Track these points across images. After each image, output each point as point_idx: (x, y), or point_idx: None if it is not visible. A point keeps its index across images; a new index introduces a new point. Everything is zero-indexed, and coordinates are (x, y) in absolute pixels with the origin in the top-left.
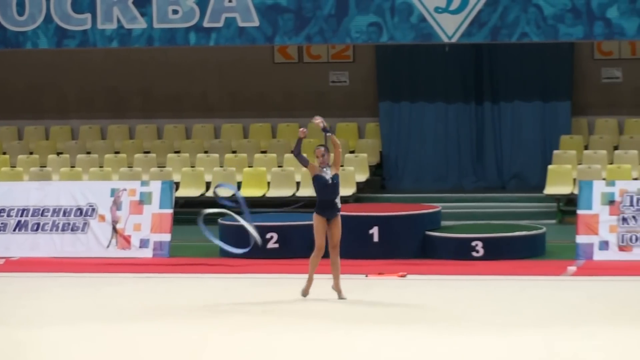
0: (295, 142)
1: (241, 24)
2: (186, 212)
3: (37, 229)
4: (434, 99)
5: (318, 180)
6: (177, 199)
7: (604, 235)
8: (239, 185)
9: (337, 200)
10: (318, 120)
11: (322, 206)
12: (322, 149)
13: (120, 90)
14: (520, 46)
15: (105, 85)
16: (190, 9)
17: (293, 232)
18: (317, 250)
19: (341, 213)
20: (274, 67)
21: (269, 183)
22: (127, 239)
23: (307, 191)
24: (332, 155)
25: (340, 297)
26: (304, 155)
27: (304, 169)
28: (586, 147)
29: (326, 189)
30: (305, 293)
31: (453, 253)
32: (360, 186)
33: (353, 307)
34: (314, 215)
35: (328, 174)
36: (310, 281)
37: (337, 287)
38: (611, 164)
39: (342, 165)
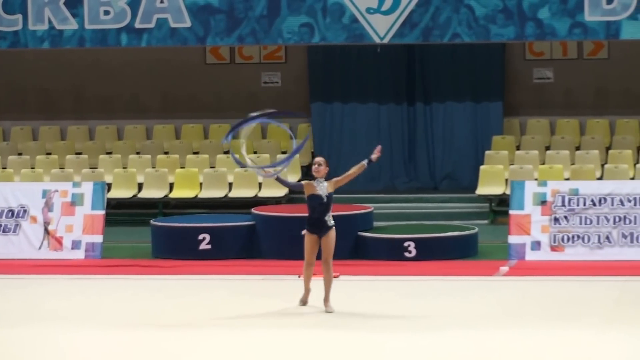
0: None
1: (173, 25)
2: (118, 213)
3: None
4: (366, 100)
5: (312, 200)
6: (109, 200)
7: (536, 235)
8: (171, 186)
9: (328, 217)
10: (377, 154)
11: (312, 223)
12: (320, 159)
13: (51, 91)
14: (452, 47)
15: (36, 86)
16: (122, 10)
17: (226, 233)
18: (306, 265)
19: (273, 214)
20: (205, 68)
21: (201, 184)
22: (59, 241)
23: (240, 192)
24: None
25: (327, 309)
26: (290, 181)
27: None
28: (518, 148)
29: (319, 207)
30: (303, 302)
31: (385, 253)
32: None
33: (284, 307)
34: (305, 231)
35: (323, 189)
36: (307, 291)
37: (325, 301)
38: (543, 164)
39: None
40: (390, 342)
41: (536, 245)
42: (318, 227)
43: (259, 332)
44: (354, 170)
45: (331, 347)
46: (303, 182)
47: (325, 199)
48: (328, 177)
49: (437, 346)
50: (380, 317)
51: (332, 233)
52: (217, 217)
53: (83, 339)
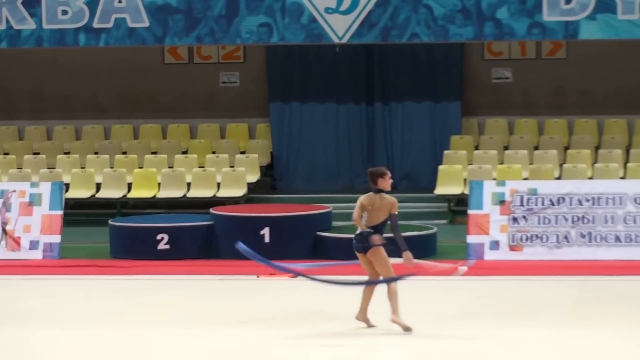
0: None
1: (131, 25)
2: (76, 213)
3: None
4: (324, 100)
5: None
6: (67, 200)
7: (494, 235)
8: (129, 186)
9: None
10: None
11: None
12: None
13: (9, 91)
14: (411, 47)
15: None
16: (80, 10)
17: (184, 233)
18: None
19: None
20: (164, 68)
21: (159, 184)
22: (16, 241)
23: (198, 192)
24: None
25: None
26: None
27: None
28: (476, 147)
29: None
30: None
31: (344, 253)
32: (251, 187)
33: (244, 308)
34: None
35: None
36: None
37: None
38: (501, 164)
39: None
40: (346, 344)
41: (495, 245)
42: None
43: (217, 331)
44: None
45: (285, 345)
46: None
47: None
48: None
49: (395, 347)
50: (338, 317)
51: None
52: (176, 217)
53: (42, 340)
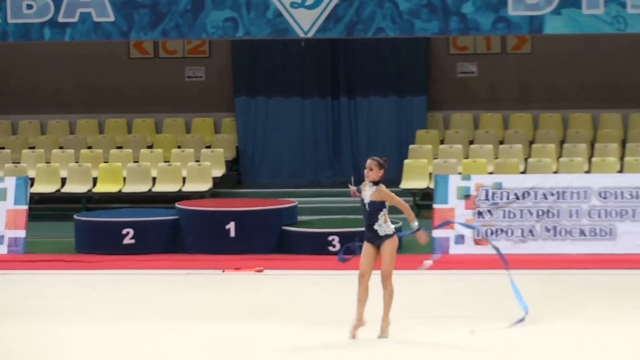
0: None
1: (96, 19)
2: (41, 208)
3: None
4: (290, 94)
5: (360, 202)
6: (32, 195)
7: (459, 229)
8: (94, 181)
9: (376, 227)
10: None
11: (365, 230)
12: (371, 163)
13: None
14: (376, 41)
15: None
16: (45, 4)
17: (149, 227)
18: (359, 277)
19: (197, 209)
20: (129, 63)
21: (124, 178)
22: None
23: (163, 186)
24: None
25: (382, 335)
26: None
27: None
28: (442, 142)
29: (363, 213)
30: (352, 335)
31: (309, 248)
32: (217, 181)
33: (209, 302)
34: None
35: (367, 195)
36: (358, 320)
37: (383, 323)
38: (467, 158)
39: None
40: (311, 338)
41: (460, 239)
42: (369, 235)
43: (182, 326)
44: (405, 206)
45: (253, 340)
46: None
47: (366, 206)
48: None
49: (359, 342)
50: (303, 312)
51: (388, 244)
52: (141, 212)
53: (6, 335)
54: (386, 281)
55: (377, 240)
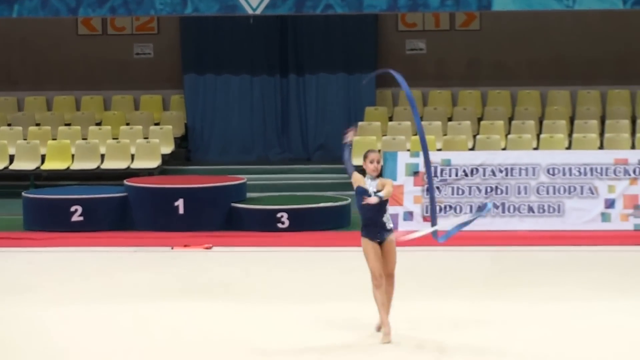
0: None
1: None
2: None
3: None
4: (239, 72)
5: (360, 193)
6: None
7: (408, 205)
8: (43, 158)
9: (385, 219)
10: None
11: (366, 225)
12: (376, 155)
13: None
14: (325, 18)
15: None
16: None
17: (98, 204)
18: (373, 279)
19: (146, 186)
20: (77, 39)
21: (73, 156)
22: None
23: (112, 164)
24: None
25: (385, 339)
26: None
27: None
28: (390, 119)
29: (365, 206)
30: (379, 329)
31: (259, 224)
32: (166, 158)
33: (158, 279)
34: (361, 238)
35: (374, 186)
36: (383, 323)
37: (382, 322)
38: (415, 135)
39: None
40: (259, 313)
41: (409, 215)
42: (374, 230)
43: (131, 303)
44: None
45: (202, 317)
46: (354, 172)
47: (380, 199)
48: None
49: (308, 317)
50: (253, 288)
51: (393, 239)
52: (90, 189)
53: None
54: (393, 278)
55: (385, 233)
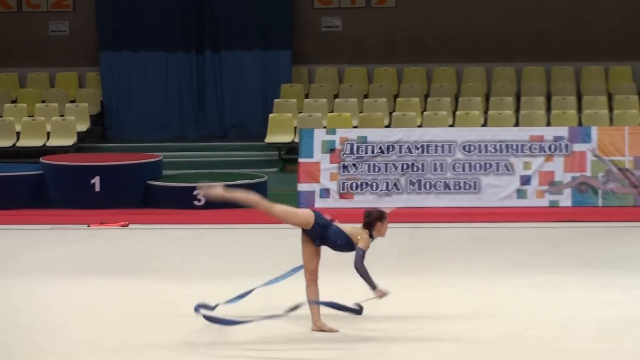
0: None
1: None
2: None
3: None
4: (155, 49)
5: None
6: None
7: (325, 183)
8: None
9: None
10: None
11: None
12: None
13: None
14: None
15: None
16: None
17: (14, 182)
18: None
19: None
20: None
21: (18, 133)
22: None
23: (28, 141)
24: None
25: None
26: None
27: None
28: (307, 96)
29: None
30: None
31: (175, 202)
32: (81, 136)
33: (75, 257)
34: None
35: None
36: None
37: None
38: (331, 112)
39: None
40: (176, 291)
41: (325, 192)
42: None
43: (48, 280)
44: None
45: (119, 294)
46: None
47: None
48: None
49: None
50: (169, 265)
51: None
52: (5, 167)
53: None
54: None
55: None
